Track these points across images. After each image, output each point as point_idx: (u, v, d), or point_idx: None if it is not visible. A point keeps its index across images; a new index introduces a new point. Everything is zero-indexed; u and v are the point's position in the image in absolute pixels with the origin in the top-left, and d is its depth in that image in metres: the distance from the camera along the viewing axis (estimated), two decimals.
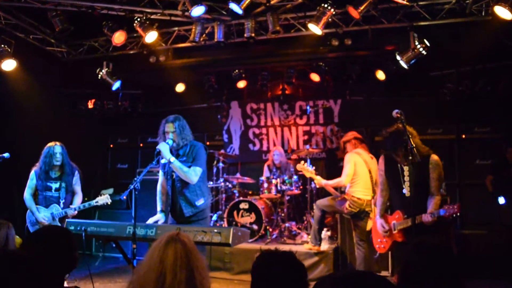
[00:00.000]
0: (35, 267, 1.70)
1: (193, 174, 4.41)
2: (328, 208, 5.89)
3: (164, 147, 4.33)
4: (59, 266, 2.21)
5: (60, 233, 2.41)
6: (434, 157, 4.08)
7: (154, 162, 4.38)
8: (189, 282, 1.85)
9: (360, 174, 5.54)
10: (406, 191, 4.07)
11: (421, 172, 3.97)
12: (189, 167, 4.42)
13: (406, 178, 4.07)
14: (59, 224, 5.26)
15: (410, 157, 3.74)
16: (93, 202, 5.36)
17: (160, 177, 4.73)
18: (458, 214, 3.79)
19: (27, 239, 2.46)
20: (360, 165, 5.57)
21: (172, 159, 4.33)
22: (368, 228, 5.49)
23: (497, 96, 6.97)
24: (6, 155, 5.31)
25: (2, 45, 6.38)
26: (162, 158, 4.47)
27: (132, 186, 3.86)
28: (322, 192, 6.72)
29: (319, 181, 5.81)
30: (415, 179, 3.95)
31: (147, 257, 1.93)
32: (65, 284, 4.49)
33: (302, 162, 6.18)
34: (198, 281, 1.87)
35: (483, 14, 5.82)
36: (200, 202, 4.52)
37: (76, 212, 5.36)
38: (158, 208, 4.63)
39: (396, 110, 3.93)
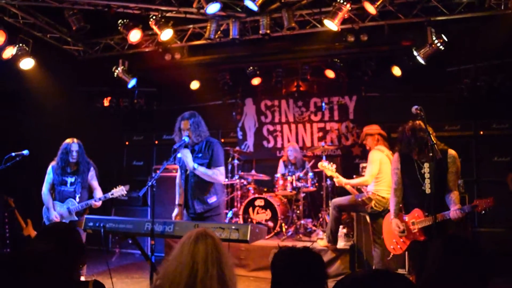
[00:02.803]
0: (45, 263, 1.71)
1: (219, 174, 4.47)
2: (348, 207, 5.78)
3: (187, 155, 4.35)
4: (66, 261, 2.22)
5: (65, 230, 2.44)
6: (452, 151, 4.04)
7: (171, 159, 4.41)
8: (220, 277, 1.87)
9: (385, 172, 5.35)
10: (427, 188, 3.97)
11: (440, 168, 3.91)
12: (207, 164, 4.45)
13: (427, 175, 3.98)
14: (77, 219, 5.33)
15: (431, 154, 3.67)
16: (109, 195, 5.39)
17: (179, 170, 4.76)
18: (491, 207, 3.72)
19: (36, 236, 2.49)
20: (385, 163, 5.40)
21: (196, 165, 4.36)
22: None
23: None
24: (25, 152, 5.39)
25: (20, 44, 6.47)
26: (178, 153, 4.50)
27: (150, 183, 3.89)
28: (338, 189, 6.69)
29: (340, 180, 5.60)
30: (435, 175, 3.87)
31: (176, 253, 1.94)
32: (82, 279, 4.57)
33: (324, 159, 6.12)
34: (227, 276, 1.89)
35: (502, 7, 5.72)
36: (212, 199, 4.53)
37: (100, 202, 5.39)
38: (177, 202, 4.67)
39: (416, 106, 3.81)
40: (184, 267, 1.85)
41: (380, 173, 5.40)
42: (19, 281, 1.63)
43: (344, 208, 5.82)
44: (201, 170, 4.37)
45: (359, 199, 5.53)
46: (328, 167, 5.78)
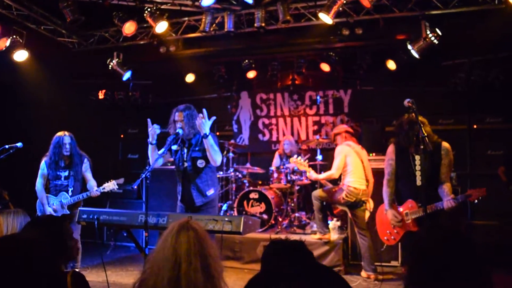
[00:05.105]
0: (23, 252, 1.71)
1: (219, 155, 4.51)
2: (324, 198, 5.94)
3: (204, 122, 4.37)
4: (47, 252, 2.22)
5: (50, 221, 2.44)
6: (445, 144, 4.12)
7: (164, 151, 4.42)
8: (204, 269, 1.85)
9: (353, 164, 5.63)
10: (417, 180, 4.05)
11: (433, 160, 3.98)
12: (203, 157, 4.47)
13: (418, 167, 4.06)
14: (68, 212, 5.33)
15: (422, 146, 3.73)
16: (101, 189, 5.40)
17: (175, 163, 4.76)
18: (484, 196, 3.81)
19: (25, 226, 2.50)
20: (352, 156, 5.68)
21: (207, 132, 4.38)
22: (366, 218, 5.65)
23: (509, 86, 6.88)
24: (19, 144, 5.38)
25: (14, 36, 6.44)
26: (173, 145, 4.52)
27: (143, 175, 3.90)
28: (331, 182, 6.71)
29: (311, 175, 5.90)
30: (427, 167, 3.93)
31: (159, 246, 1.92)
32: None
33: (295, 156, 6.30)
34: (213, 268, 1.88)
35: (496, 2, 5.74)
36: (210, 192, 4.59)
37: (99, 193, 5.38)
38: None
39: (408, 99, 3.89)
40: (167, 260, 1.84)
41: (347, 165, 5.64)
42: None
43: (322, 199, 5.96)
44: (210, 142, 4.38)
45: (332, 190, 5.83)
46: (300, 162, 5.93)
